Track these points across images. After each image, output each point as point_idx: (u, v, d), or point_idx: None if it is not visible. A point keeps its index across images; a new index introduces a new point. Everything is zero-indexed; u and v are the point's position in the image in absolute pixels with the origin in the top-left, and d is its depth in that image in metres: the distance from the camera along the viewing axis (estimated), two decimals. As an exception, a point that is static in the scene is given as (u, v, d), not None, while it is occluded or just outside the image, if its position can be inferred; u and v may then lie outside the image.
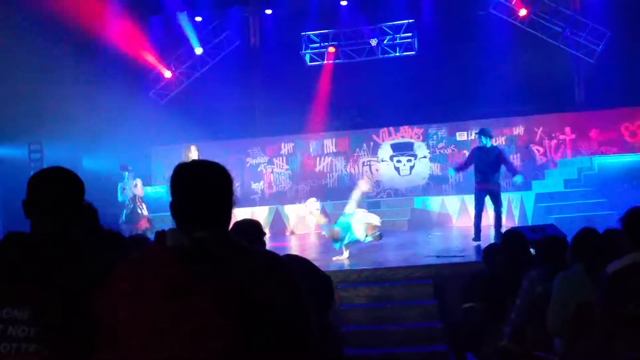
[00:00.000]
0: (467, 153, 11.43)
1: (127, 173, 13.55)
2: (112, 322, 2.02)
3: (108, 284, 2.08)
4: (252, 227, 4.51)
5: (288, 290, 2.04)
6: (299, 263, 4.55)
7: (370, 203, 12.10)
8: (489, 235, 11.04)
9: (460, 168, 11.72)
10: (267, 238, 4.75)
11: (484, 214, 11.31)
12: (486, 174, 10.90)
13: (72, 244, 2.40)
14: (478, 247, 9.87)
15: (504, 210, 13.82)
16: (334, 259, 9.83)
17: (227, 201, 2.18)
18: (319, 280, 4.54)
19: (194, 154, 11.70)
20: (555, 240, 5.34)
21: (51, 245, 2.35)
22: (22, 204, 2.45)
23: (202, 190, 2.12)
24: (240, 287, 1.96)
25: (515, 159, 16.48)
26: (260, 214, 15.56)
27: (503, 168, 11.12)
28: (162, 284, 1.97)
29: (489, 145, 11.03)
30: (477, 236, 10.92)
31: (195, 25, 17.81)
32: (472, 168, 11.26)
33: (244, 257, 2.07)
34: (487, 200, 11.05)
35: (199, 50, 17.84)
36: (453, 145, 16.70)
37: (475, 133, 11.76)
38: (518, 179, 11.23)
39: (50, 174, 2.49)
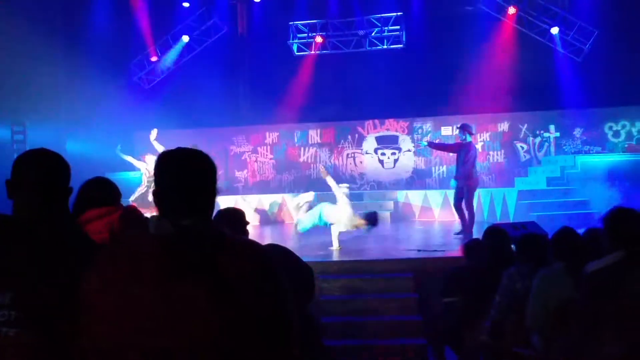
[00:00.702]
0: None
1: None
2: (96, 308, 2.01)
3: (92, 270, 2.07)
4: (235, 216, 4.51)
5: (269, 279, 2.04)
6: (281, 253, 4.56)
7: (353, 195, 12.09)
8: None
9: (434, 145, 12.01)
10: (251, 227, 4.74)
11: (478, 210, 11.54)
12: (457, 168, 11.10)
13: (56, 227, 2.37)
14: (460, 242, 9.92)
15: (486, 206, 13.97)
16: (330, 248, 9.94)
17: (211, 190, 2.18)
18: (301, 271, 4.55)
19: (152, 136, 12.19)
20: (535, 237, 5.37)
21: (34, 229, 2.33)
22: (6, 184, 2.42)
23: (187, 178, 2.11)
24: (222, 276, 1.96)
25: (499, 155, 16.58)
26: (247, 202, 15.55)
27: (478, 163, 11.30)
28: (146, 272, 1.98)
29: (468, 140, 11.17)
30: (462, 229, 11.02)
31: (182, 10, 17.69)
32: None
33: (226, 246, 2.07)
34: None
35: (185, 38, 17.72)
36: (438, 140, 16.73)
37: (457, 127, 11.84)
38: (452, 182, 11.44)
39: (38, 155, 2.46)
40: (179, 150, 2.19)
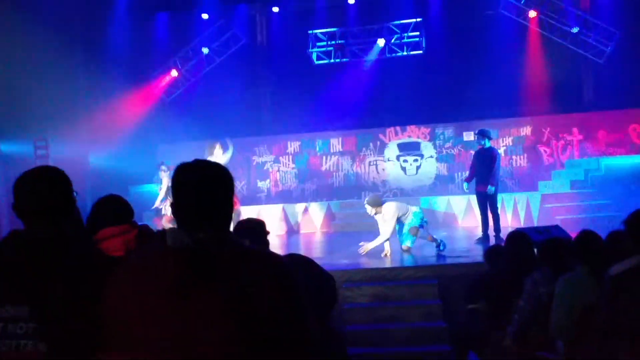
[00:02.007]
0: (473, 153, 11.52)
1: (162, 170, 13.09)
2: (114, 321, 2.04)
3: (110, 283, 2.10)
4: (255, 227, 4.52)
5: (287, 291, 2.04)
6: (301, 263, 4.55)
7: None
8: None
9: (469, 178, 11.77)
10: (273, 236, 4.75)
11: (501, 215, 11.48)
12: (482, 174, 11.03)
13: (69, 241, 2.40)
14: (483, 248, 9.87)
15: (510, 210, 13.88)
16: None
17: (228, 202, 2.19)
18: (322, 281, 4.54)
19: (218, 152, 11.40)
20: (557, 241, 5.33)
21: (49, 243, 2.36)
22: (12, 208, 2.44)
23: (204, 190, 2.13)
24: (240, 288, 1.97)
25: (522, 160, 16.44)
26: (269, 212, 15.60)
27: (501, 168, 11.27)
28: (164, 285, 1.99)
29: (487, 145, 11.15)
30: (484, 236, 10.99)
31: (201, 23, 17.80)
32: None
33: (244, 258, 2.08)
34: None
35: (205, 50, 17.83)
36: (460, 145, 16.66)
37: (475, 134, 11.80)
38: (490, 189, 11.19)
39: (34, 175, 2.47)
40: (195, 162, 2.21)
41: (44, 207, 2.41)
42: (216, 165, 2.21)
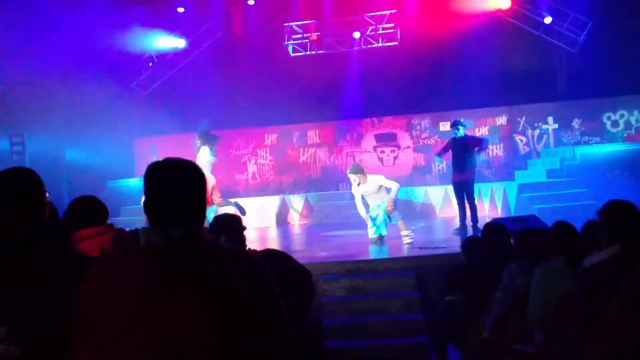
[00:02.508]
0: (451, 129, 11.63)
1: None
2: (87, 321, 2.02)
3: (83, 282, 2.08)
4: (231, 223, 4.50)
5: (260, 288, 2.04)
6: (277, 258, 4.56)
7: (353, 193, 12.08)
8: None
9: (440, 154, 11.84)
10: (251, 230, 4.73)
11: (478, 205, 11.53)
12: (458, 164, 11.08)
13: (39, 242, 2.38)
14: (461, 238, 9.91)
15: (487, 200, 13.96)
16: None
17: (200, 200, 2.18)
18: (298, 275, 4.55)
19: (204, 151, 10.77)
20: (533, 232, 5.35)
21: (18, 244, 2.33)
22: None
23: (175, 189, 2.12)
24: (212, 286, 1.97)
25: (499, 149, 16.55)
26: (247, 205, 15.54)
27: (477, 157, 11.32)
28: (137, 284, 1.98)
29: (460, 134, 11.20)
30: (462, 226, 11.03)
31: (177, 16, 17.67)
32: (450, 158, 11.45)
33: (217, 256, 2.08)
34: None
35: (180, 43, 17.71)
36: (437, 136, 16.73)
37: (451, 125, 11.84)
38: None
39: (3, 176, 2.48)
40: (167, 160, 2.20)
41: (14, 208, 2.39)
42: (187, 163, 2.19)
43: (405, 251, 9.43)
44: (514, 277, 4.94)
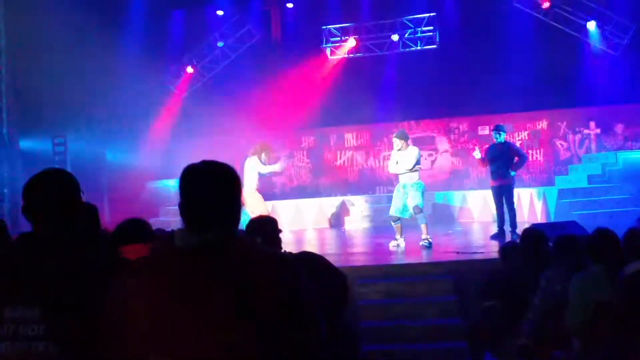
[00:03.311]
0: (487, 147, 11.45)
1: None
2: (123, 321, 2.05)
3: (119, 283, 2.11)
4: (266, 225, 4.51)
5: (294, 291, 2.05)
6: (312, 261, 4.54)
7: (390, 197, 12.04)
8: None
9: (484, 160, 11.67)
10: (287, 232, 4.73)
11: (517, 210, 11.39)
12: (498, 169, 10.96)
13: (76, 243, 2.42)
14: (499, 243, 9.80)
15: (526, 206, 13.79)
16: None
17: (235, 201, 2.20)
18: (333, 279, 4.51)
19: (268, 155, 10.54)
20: (571, 239, 5.27)
21: (57, 245, 2.38)
22: (21, 210, 2.48)
23: (210, 190, 2.14)
24: (246, 288, 1.98)
25: (539, 154, 16.34)
26: (284, 207, 15.62)
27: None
28: (172, 285, 2.01)
29: (500, 140, 11.08)
30: (500, 232, 10.92)
31: (216, 19, 17.81)
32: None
33: (251, 258, 2.09)
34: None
35: (220, 43, 17.84)
36: (475, 140, 16.58)
37: (492, 130, 11.67)
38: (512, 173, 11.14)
39: (42, 178, 2.51)
40: (202, 163, 2.21)
41: (50, 209, 2.44)
42: (222, 165, 2.21)
43: (442, 255, 9.35)
44: (552, 283, 4.88)
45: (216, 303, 1.95)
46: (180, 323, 1.95)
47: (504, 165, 10.97)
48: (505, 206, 11.06)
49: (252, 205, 10.09)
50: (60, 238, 2.40)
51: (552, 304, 4.81)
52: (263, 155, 10.44)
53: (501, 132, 11.17)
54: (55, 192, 2.46)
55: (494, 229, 11.22)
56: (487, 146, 11.51)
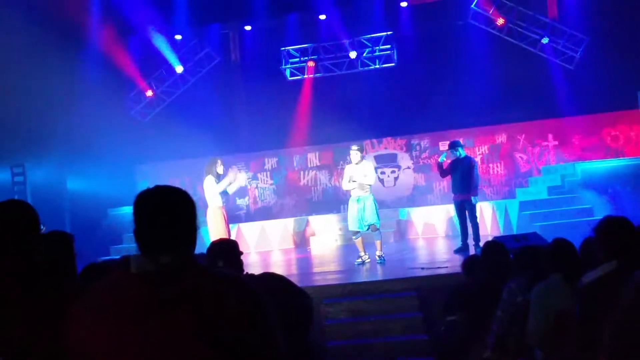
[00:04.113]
0: (448, 151, 11.61)
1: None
2: (79, 349, 2.03)
3: (74, 311, 2.09)
4: (228, 248, 4.50)
5: (252, 314, 2.04)
6: (274, 281, 4.54)
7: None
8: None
9: (442, 174, 11.85)
10: (253, 254, 4.73)
11: (481, 223, 11.55)
12: (460, 184, 11.10)
13: (32, 273, 2.39)
14: (463, 258, 9.88)
15: (488, 218, 13.94)
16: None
17: (190, 225, 2.19)
18: (296, 299, 4.52)
19: (220, 168, 10.60)
20: (531, 250, 5.34)
21: (10, 274, 2.35)
22: None
23: (162, 215, 2.13)
24: (203, 312, 1.97)
25: (499, 167, 16.54)
26: (249, 229, 15.58)
27: (479, 177, 11.37)
28: (128, 310, 1.99)
29: (462, 155, 11.25)
30: (464, 246, 11.01)
31: (174, 43, 17.77)
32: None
33: (207, 282, 2.08)
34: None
35: (179, 69, 17.80)
36: (436, 155, 16.70)
37: (449, 147, 11.79)
38: (474, 200, 11.26)
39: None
40: (155, 187, 2.22)
41: (6, 241, 2.41)
42: (175, 190, 2.21)
43: (406, 272, 9.40)
44: (514, 295, 4.92)
45: (173, 327, 1.94)
46: (138, 348, 1.94)
47: (464, 179, 11.10)
48: (468, 220, 11.18)
49: (211, 223, 10.17)
50: (14, 269, 2.37)
51: (515, 315, 4.85)
52: (215, 171, 10.48)
53: (458, 148, 11.34)
54: (12, 225, 2.46)
55: (458, 244, 11.31)
56: (448, 161, 11.66)
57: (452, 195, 11.53)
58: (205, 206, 10.24)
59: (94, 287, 2.22)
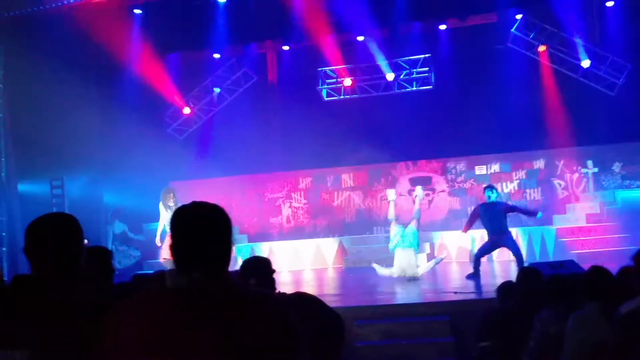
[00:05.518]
0: (483, 193, 11.52)
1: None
2: (112, 360, 2.04)
3: (108, 325, 2.12)
4: (260, 266, 4.47)
5: (281, 332, 2.03)
6: (306, 302, 4.50)
7: (388, 237, 12.04)
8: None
9: (466, 228, 11.83)
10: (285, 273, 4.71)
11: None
12: (493, 226, 11.01)
13: (71, 286, 2.43)
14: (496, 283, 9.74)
15: (524, 245, 13.74)
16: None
17: (224, 242, 2.20)
18: (328, 319, 4.47)
19: (171, 201, 11.65)
20: (564, 278, 5.21)
21: (51, 288, 2.40)
22: (23, 251, 2.53)
23: (197, 231, 2.15)
24: (233, 329, 1.98)
25: (536, 193, 16.34)
26: (282, 248, 15.61)
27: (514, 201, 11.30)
28: (158, 326, 2.01)
29: (493, 199, 11.18)
30: (476, 272, 10.91)
31: (213, 62, 17.97)
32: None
33: (240, 299, 2.09)
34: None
35: (216, 89, 17.99)
36: (472, 179, 16.61)
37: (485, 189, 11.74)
38: (539, 215, 11.26)
39: (44, 221, 2.57)
40: (193, 204, 2.24)
41: (50, 251, 2.48)
42: (213, 206, 2.24)
43: (438, 296, 9.30)
44: (546, 325, 4.81)
45: (204, 342, 1.95)
46: None
47: (499, 222, 11.05)
48: (512, 254, 11.05)
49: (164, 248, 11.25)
50: (55, 281, 2.40)
51: (547, 346, 4.74)
52: (168, 201, 11.53)
53: (494, 191, 11.30)
54: (57, 235, 2.51)
55: (492, 268, 11.20)
56: (474, 208, 11.65)
57: (488, 235, 11.38)
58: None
59: (129, 300, 2.24)
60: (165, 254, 11.23)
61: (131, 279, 4.93)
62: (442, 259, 11.97)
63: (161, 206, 11.69)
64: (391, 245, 11.31)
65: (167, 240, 11.29)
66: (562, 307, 4.72)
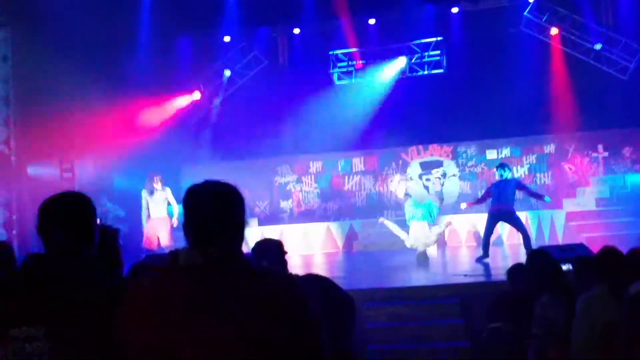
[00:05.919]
0: (496, 171, 11.44)
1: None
2: (129, 340, 2.08)
3: (124, 303, 2.14)
4: (272, 247, 4.50)
5: (298, 311, 2.05)
6: (318, 283, 4.53)
7: (399, 221, 12.07)
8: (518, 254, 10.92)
9: (478, 201, 11.86)
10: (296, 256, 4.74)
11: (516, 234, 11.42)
12: (499, 198, 10.98)
13: (84, 264, 2.44)
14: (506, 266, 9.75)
15: (534, 228, 13.73)
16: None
17: (237, 220, 2.21)
18: (339, 301, 4.51)
19: (157, 185, 12.29)
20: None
21: (65, 266, 2.40)
22: (36, 230, 2.52)
23: (210, 209, 2.17)
24: (250, 306, 1.99)
25: (546, 177, 16.30)
26: (292, 231, 15.65)
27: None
28: (175, 303, 2.03)
29: (506, 176, 11.13)
30: (485, 253, 10.89)
31: (223, 45, 17.94)
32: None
33: (254, 276, 2.11)
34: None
35: (227, 72, 17.96)
36: (483, 164, 16.59)
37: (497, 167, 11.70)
38: (546, 199, 11.24)
39: (57, 200, 2.56)
40: (205, 182, 2.26)
41: (63, 230, 2.47)
42: (223, 184, 2.25)
43: (448, 278, 9.33)
44: (547, 309, 4.82)
45: (220, 319, 1.97)
46: (189, 339, 1.96)
47: (506, 196, 10.99)
48: (518, 230, 11.00)
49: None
50: (69, 259, 2.42)
51: (552, 329, 4.74)
52: (153, 184, 12.25)
53: (507, 169, 11.25)
54: (70, 213, 2.50)
55: (501, 251, 11.20)
56: (488, 187, 11.63)
57: (490, 207, 11.34)
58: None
59: (145, 280, 2.26)
60: (149, 242, 11.85)
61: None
62: (449, 224, 12.39)
63: (144, 193, 12.29)
64: (407, 219, 11.36)
65: (149, 226, 12.08)
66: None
